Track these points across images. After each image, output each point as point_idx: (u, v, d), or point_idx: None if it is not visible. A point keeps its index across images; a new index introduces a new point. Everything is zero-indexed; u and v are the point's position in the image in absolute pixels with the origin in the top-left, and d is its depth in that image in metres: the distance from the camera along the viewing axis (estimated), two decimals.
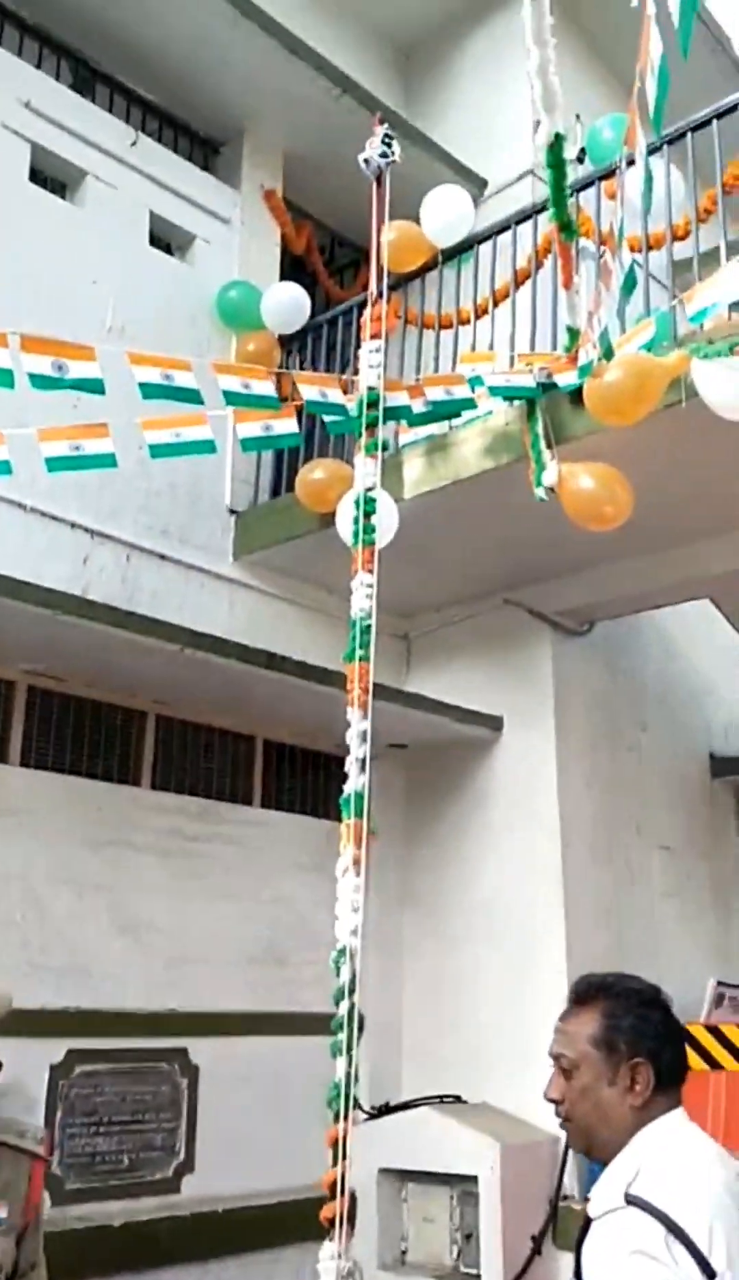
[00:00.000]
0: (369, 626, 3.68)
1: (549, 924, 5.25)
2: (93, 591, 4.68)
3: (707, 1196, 1.64)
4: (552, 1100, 1.87)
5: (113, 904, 4.76)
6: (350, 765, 3.61)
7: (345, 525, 4.02)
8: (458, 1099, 5.09)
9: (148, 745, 5.13)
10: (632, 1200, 1.62)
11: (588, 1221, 1.68)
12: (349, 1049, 3.28)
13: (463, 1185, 4.80)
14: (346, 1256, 3.12)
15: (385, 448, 3.97)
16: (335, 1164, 3.14)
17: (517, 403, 4.46)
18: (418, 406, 4.12)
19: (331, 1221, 3.12)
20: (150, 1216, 4.49)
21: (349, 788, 3.59)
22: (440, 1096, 5.11)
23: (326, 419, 4.06)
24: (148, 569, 5.09)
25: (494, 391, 4.28)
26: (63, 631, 4.17)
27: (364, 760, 3.61)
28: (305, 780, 5.73)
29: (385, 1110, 5.20)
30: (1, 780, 4.53)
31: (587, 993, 1.90)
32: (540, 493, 4.07)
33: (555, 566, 5.47)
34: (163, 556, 5.16)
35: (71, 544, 4.81)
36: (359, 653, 3.64)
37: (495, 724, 5.69)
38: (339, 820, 3.57)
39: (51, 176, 5.39)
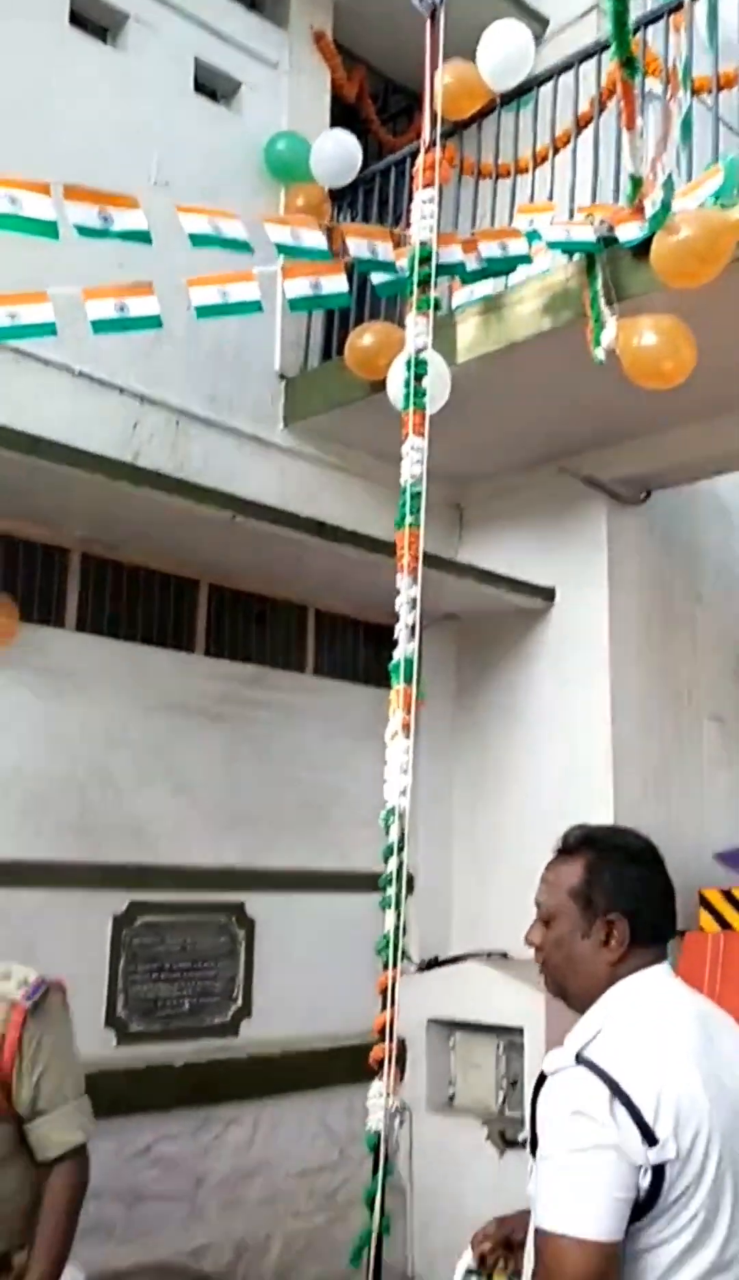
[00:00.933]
0: (419, 493, 3.64)
1: (598, 793, 5.31)
2: (142, 459, 4.66)
3: (660, 1061, 1.62)
4: (530, 943, 1.89)
5: (169, 767, 4.89)
6: (400, 632, 3.63)
7: (396, 389, 3.93)
8: (504, 955, 5.25)
9: (201, 613, 5.18)
10: (581, 1060, 1.62)
11: (543, 1077, 1.68)
12: (398, 903, 3.39)
13: (508, 1036, 4.99)
14: (395, 1096, 3.28)
15: (437, 307, 3.85)
16: (384, 1009, 3.27)
17: (576, 258, 4.28)
18: (472, 262, 3.97)
19: (380, 1063, 3.27)
20: (210, 1058, 4.74)
21: (398, 654, 3.61)
22: (487, 952, 5.28)
23: (376, 278, 3.93)
24: (197, 436, 5.04)
25: (553, 245, 4.11)
26: (113, 499, 4.18)
27: (413, 627, 3.62)
28: (357, 649, 5.78)
29: (434, 964, 5.40)
30: (57, 644, 4.62)
31: (573, 844, 1.90)
32: (599, 354, 3.93)
33: (613, 433, 5.34)
34: (212, 423, 5.10)
35: (120, 410, 4.77)
36: (409, 520, 3.62)
37: (547, 595, 5.65)
38: (389, 688, 3.62)
39: (92, 20, 5.15)
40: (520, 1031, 4.89)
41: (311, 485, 5.41)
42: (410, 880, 3.74)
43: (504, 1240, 2.00)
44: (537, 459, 5.64)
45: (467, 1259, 2.09)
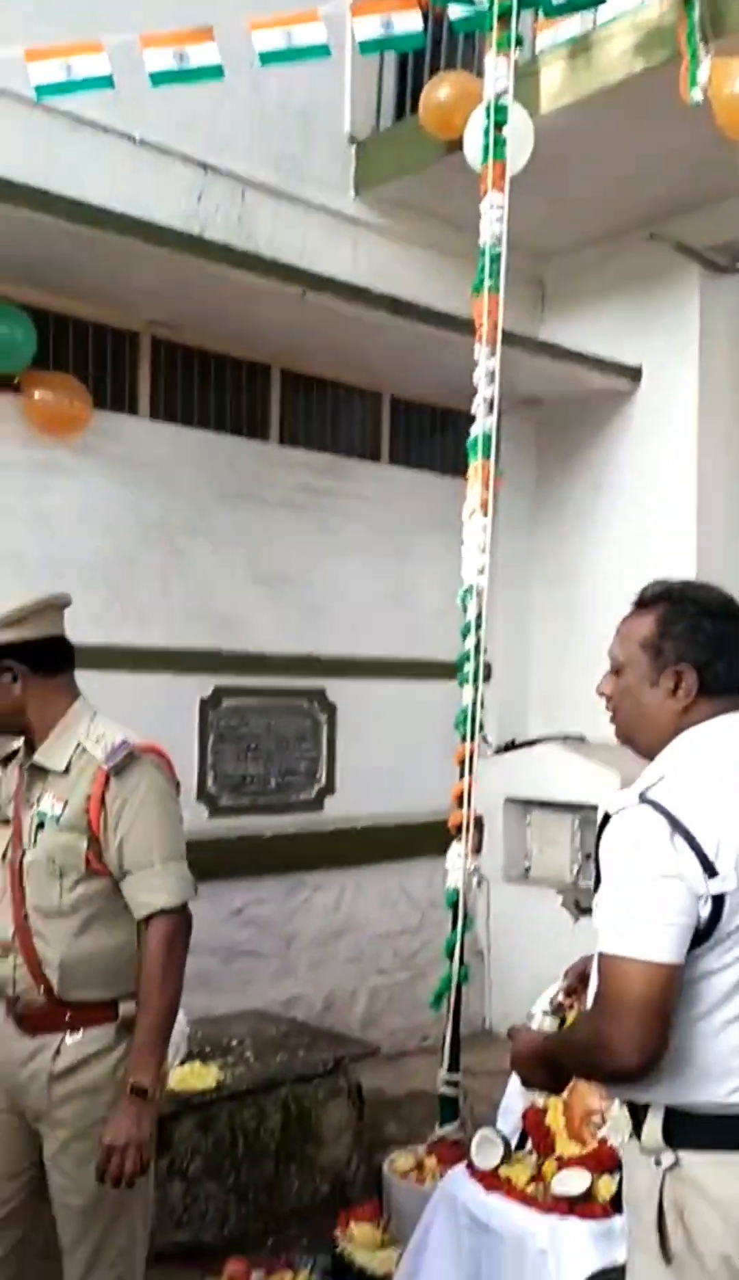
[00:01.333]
0: (499, 255, 3.46)
1: (681, 575, 5.22)
2: (208, 232, 4.48)
3: (722, 802, 1.65)
4: (601, 694, 1.90)
5: (248, 556, 4.92)
6: (477, 406, 3.52)
7: (474, 144, 3.67)
8: (582, 738, 5.34)
9: (274, 400, 5.08)
10: (644, 800, 1.65)
11: (606, 818, 1.71)
12: (476, 678, 3.43)
13: (583, 813, 5.13)
14: (472, 859, 3.42)
15: (519, 43, 3.53)
16: (462, 778, 3.37)
17: None
18: None
19: (459, 828, 3.39)
20: (296, 830, 4.97)
21: (476, 429, 3.52)
22: (564, 735, 5.37)
23: (453, 11, 3.59)
24: (265, 207, 4.81)
25: None
26: (178, 276, 4.04)
27: (492, 401, 3.51)
28: (433, 437, 5.65)
29: (511, 747, 5.51)
30: (133, 432, 4.59)
31: (649, 597, 1.88)
32: (696, 94, 3.60)
33: (707, 194, 4.95)
34: (279, 193, 4.86)
35: (184, 180, 4.56)
36: (488, 284, 3.45)
37: (633, 375, 5.42)
38: (466, 477, 3.54)
39: None
40: (595, 809, 5.01)
41: (385, 260, 5.17)
42: (487, 667, 3.77)
43: (581, 974, 2.10)
44: (624, 226, 5.29)
45: (542, 1000, 2.20)
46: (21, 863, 2.20)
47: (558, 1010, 2.16)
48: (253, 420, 5.02)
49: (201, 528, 4.77)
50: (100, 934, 2.13)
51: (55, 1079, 2.13)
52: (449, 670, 3.56)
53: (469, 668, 3.44)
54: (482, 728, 3.46)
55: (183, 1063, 3.56)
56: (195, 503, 4.74)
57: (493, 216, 3.40)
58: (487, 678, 3.72)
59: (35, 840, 2.19)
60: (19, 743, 2.39)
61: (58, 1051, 2.13)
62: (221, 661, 4.83)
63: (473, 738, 3.39)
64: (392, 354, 4.95)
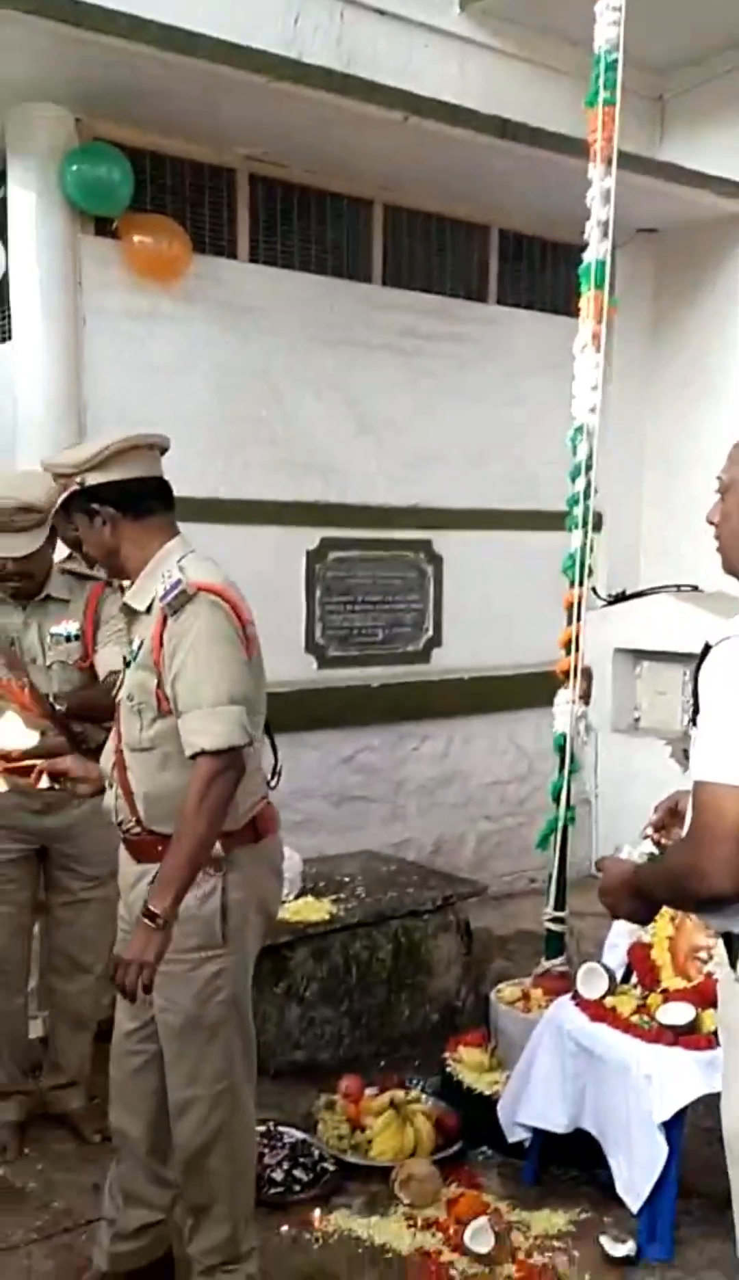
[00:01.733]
0: (615, 61, 3.20)
1: None
2: (306, 56, 4.25)
3: None
4: (710, 523, 1.83)
5: (351, 403, 4.82)
6: (590, 231, 3.32)
7: None
8: (695, 588, 5.20)
9: (376, 239, 4.89)
10: None
11: (707, 648, 1.66)
12: (585, 522, 3.33)
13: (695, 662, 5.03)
14: (579, 705, 3.39)
15: None
16: (570, 625, 3.32)
17: None
18: None
19: (567, 673, 3.36)
20: (403, 681, 5.01)
21: (589, 256, 3.33)
22: (677, 585, 5.24)
23: None
24: (365, 27, 4.54)
25: None
26: (276, 104, 3.86)
27: (606, 225, 3.30)
28: (543, 274, 5.39)
29: (621, 598, 5.41)
30: (231, 276, 4.48)
31: None
32: None
33: None
34: (380, 11, 4.56)
35: (280, 1, 4.31)
36: (603, 95, 3.20)
37: None
38: (578, 315, 3.36)
39: None
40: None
41: (493, 80, 4.86)
42: (598, 516, 3.65)
43: (671, 809, 2.08)
44: None
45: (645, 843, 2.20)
46: (120, 699, 2.28)
47: (649, 843, 2.16)
48: (354, 261, 4.84)
49: (304, 375, 4.68)
50: (179, 770, 2.15)
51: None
52: (558, 521, 3.46)
53: (578, 511, 3.34)
54: (590, 575, 3.37)
55: (297, 897, 3.72)
56: (297, 349, 4.64)
57: (608, 19, 3.13)
58: (596, 526, 3.61)
59: (124, 679, 2.26)
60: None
61: (154, 879, 2.20)
62: (327, 513, 4.81)
63: (582, 583, 3.31)
64: (500, 182, 4.69)
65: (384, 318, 4.87)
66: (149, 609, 2.20)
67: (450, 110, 4.11)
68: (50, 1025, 3.21)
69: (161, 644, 2.14)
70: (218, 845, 2.17)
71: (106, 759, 2.29)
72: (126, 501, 2.23)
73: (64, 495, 2.26)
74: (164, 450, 2.33)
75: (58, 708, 2.78)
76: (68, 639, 2.94)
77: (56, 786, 2.34)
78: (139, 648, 2.21)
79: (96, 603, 2.98)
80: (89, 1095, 3.13)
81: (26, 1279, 2.53)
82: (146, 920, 2.05)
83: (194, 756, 2.09)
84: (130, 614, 2.30)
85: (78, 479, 2.21)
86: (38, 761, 2.33)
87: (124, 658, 2.29)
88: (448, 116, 4.09)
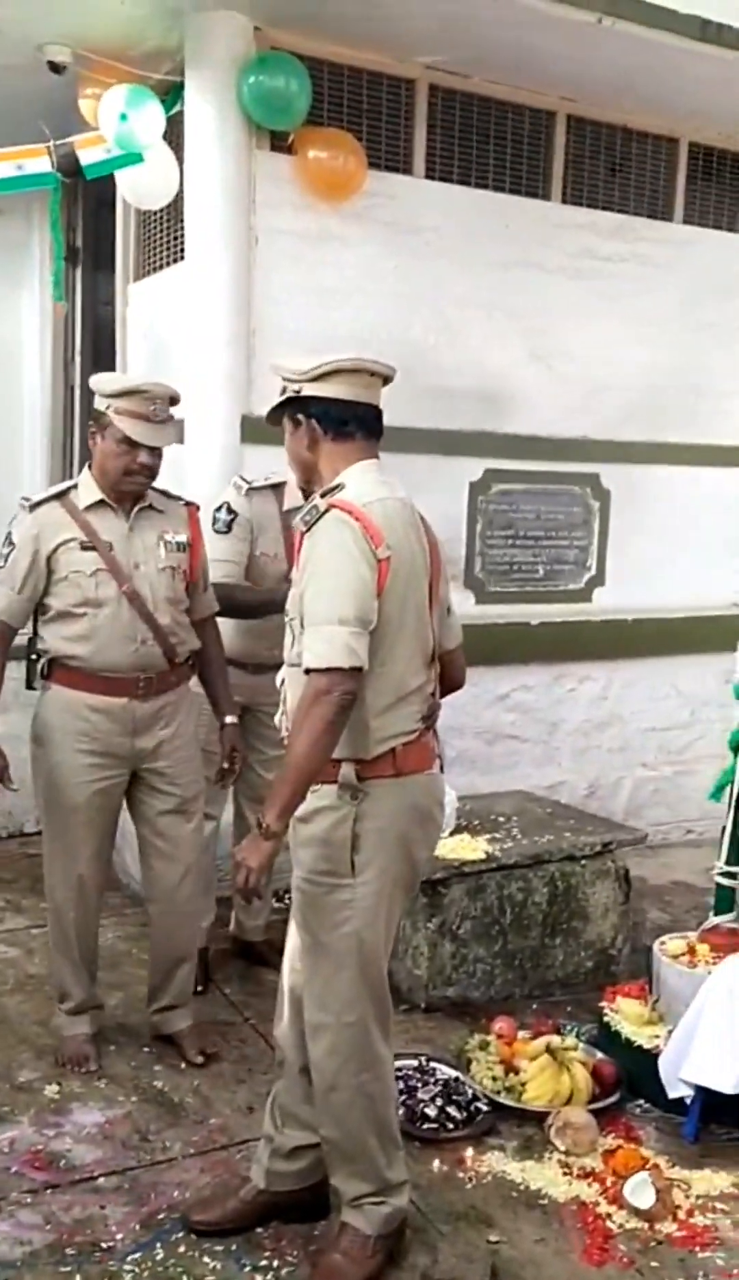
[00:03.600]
0: None
1: None
2: None
3: None
4: None
5: (524, 329, 4.64)
6: None
7: None
8: None
9: (558, 153, 4.65)
10: None
11: None
12: None
13: None
14: None
15: None
16: None
17: None
18: None
19: None
20: (563, 620, 4.86)
21: None
22: None
23: None
24: None
25: None
26: (459, 8, 3.66)
27: None
28: (735, 192, 5.05)
29: None
30: (405, 194, 4.33)
31: None
32: None
33: None
34: None
35: None
36: None
37: None
38: None
39: None
40: None
41: None
42: None
43: None
44: None
45: None
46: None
47: None
48: (533, 177, 4.63)
49: (475, 299, 4.51)
50: None
51: (297, 821, 2.21)
52: (737, 455, 3.24)
53: None
54: None
55: (452, 834, 3.66)
56: (469, 271, 4.47)
57: None
58: None
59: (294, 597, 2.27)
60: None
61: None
62: (492, 443, 4.66)
63: None
64: (694, 91, 4.39)
65: (562, 238, 4.65)
66: (310, 528, 2.20)
67: (648, 10, 3.83)
68: (154, 950, 3.23)
69: (298, 560, 2.19)
70: (352, 772, 2.16)
71: (279, 675, 2.29)
72: (329, 420, 2.23)
73: (281, 398, 2.26)
74: (388, 380, 2.31)
75: (161, 621, 2.92)
76: (180, 548, 3.00)
77: None
78: (291, 567, 2.25)
79: (199, 525, 3.11)
80: (193, 1017, 3.19)
81: (183, 1192, 2.57)
82: (258, 829, 2.09)
83: (308, 672, 2.08)
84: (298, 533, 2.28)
85: (296, 387, 2.22)
86: None
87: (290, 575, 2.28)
88: (645, 17, 3.82)
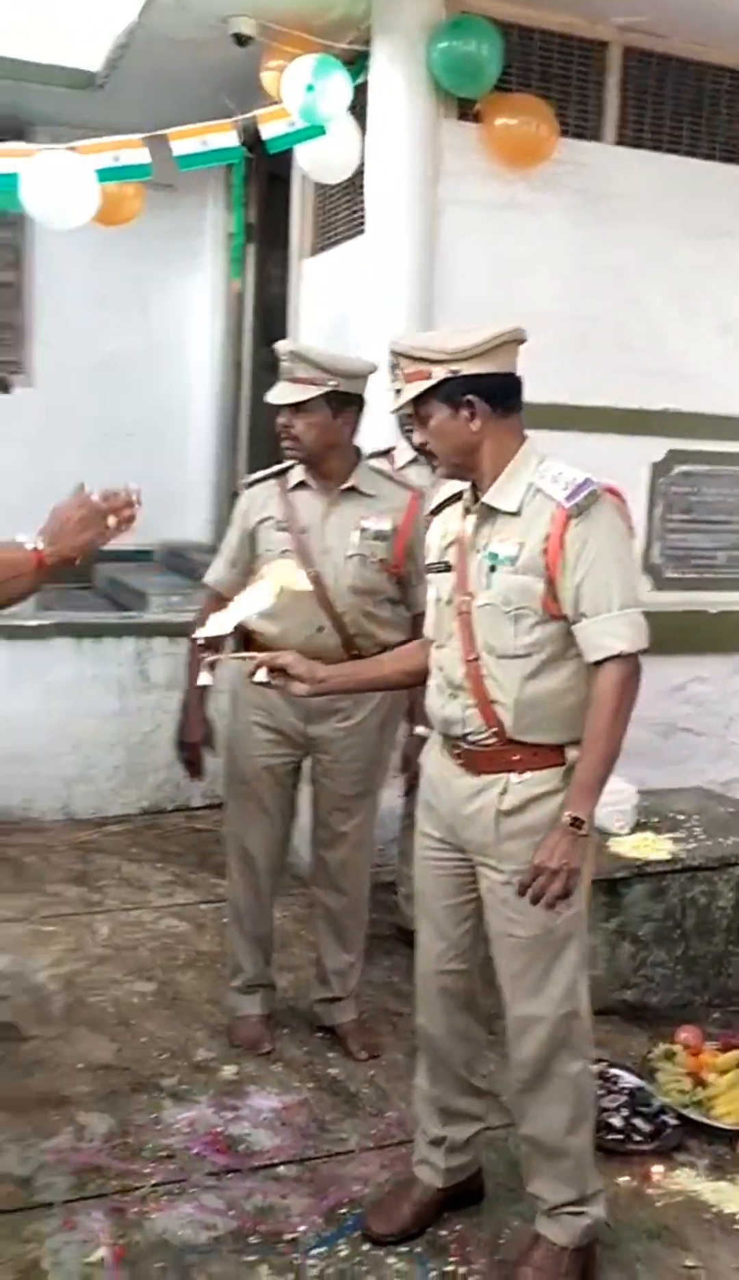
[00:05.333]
0: None
1: None
2: None
3: None
4: None
5: (715, 303, 4.42)
6: None
7: None
8: None
9: None
10: None
11: None
12: None
13: None
14: None
15: None
16: None
17: None
18: None
19: None
20: None
21: None
22: None
23: None
24: None
25: None
26: None
27: None
28: None
29: None
30: (596, 161, 4.16)
31: None
32: None
33: None
34: None
35: None
36: None
37: None
38: None
39: None
40: None
41: None
42: None
43: None
44: None
45: None
46: (470, 606, 2.15)
47: None
48: (732, 142, 4.39)
49: (664, 271, 4.31)
50: (551, 677, 2.09)
51: (503, 815, 2.14)
52: None
53: None
54: None
55: (632, 831, 3.53)
56: (659, 243, 4.28)
57: None
58: None
59: (488, 583, 2.13)
60: (448, 490, 2.32)
61: (504, 790, 2.14)
62: (676, 422, 4.46)
63: None
64: None
65: None
66: (519, 511, 2.10)
67: None
68: (318, 940, 3.19)
69: (562, 545, 2.04)
70: (568, 753, 2.12)
71: (455, 668, 2.18)
72: (498, 396, 2.11)
73: (428, 384, 2.09)
74: (522, 343, 2.17)
75: (339, 609, 2.84)
76: (376, 536, 2.87)
77: (272, 683, 2.31)
78: (519, 551, 2.09)
79: (415, 514, 2.89)
80: (358, 1011, 3.15)
81: (364, 1187, 2.54)
82: (572, 827, 2.01)
83: (601, 661, 2.02)
84: (486, 514, 2.15)
85: (452, 367, 2.07)
86: (258, 655, 2.34)
87: (486, 562, 2.13)
88: None
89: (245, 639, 2.88)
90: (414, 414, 2.18)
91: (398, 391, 2.20)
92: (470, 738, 2.17)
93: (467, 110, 3.94)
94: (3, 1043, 3.06)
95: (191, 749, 3.07)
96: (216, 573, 3.03)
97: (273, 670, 2.30)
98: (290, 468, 2.94)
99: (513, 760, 2.13)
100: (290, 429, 2.83)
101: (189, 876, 4.23)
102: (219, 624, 2.34)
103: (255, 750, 2.98)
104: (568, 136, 4.08)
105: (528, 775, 2.12)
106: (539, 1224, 2.24)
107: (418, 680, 2.36)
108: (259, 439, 5.76)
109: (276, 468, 2.97)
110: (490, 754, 2.15)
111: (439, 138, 3.90)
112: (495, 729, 2.13)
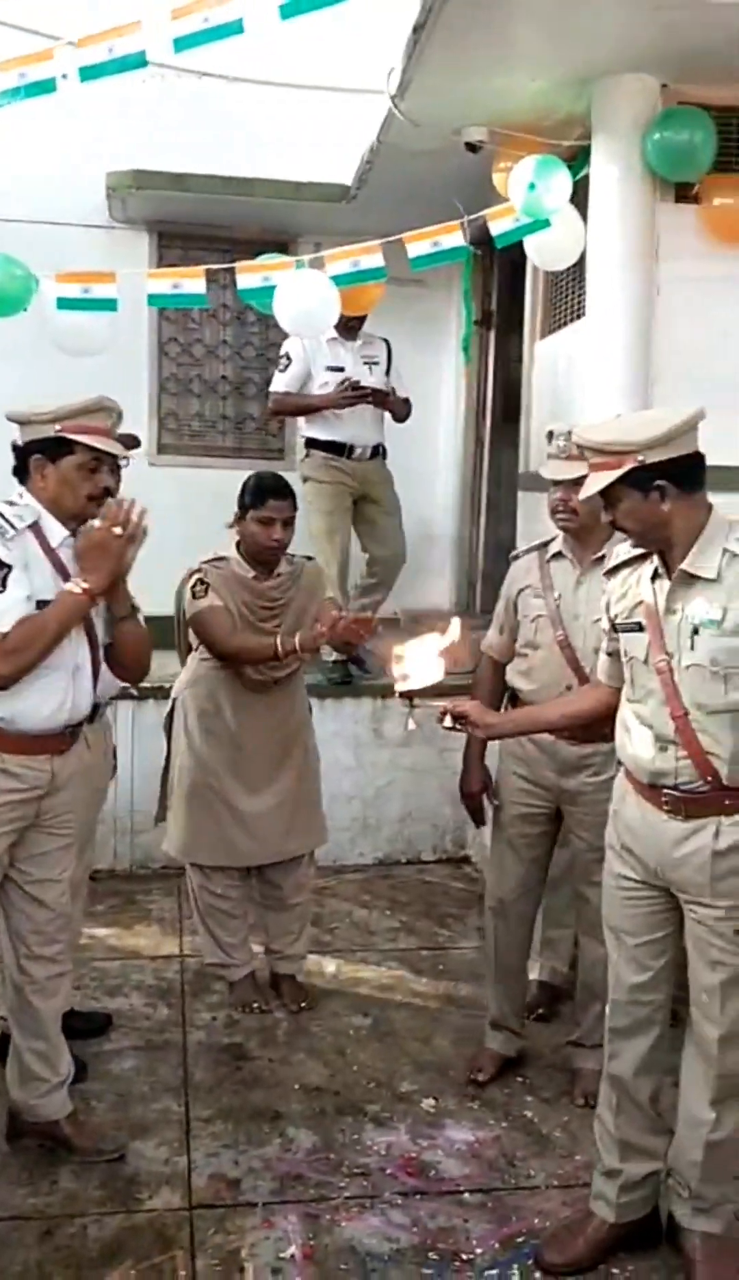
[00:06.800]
0: None
1: None
2: None
3: None
4: None
5: None
6: None
7: None
8: None
9: None
10: None
11: None
12: None
13: None
14: None
15: None
16: None
17: None
18: None
19: None
20: None
21: None
22: None
23: None
24: None
25: None
26: None
27: None
28: None
29: None
30: None
31: None
32: None
33: None
34: None
35: None
36: None
37: None
38: None
39: None
40: None
41: None
42: None
43: None
44: None
45: None
46: (670, 665, 2.30)
47: None
48: None
49: None
50: None
51: (718, 856, 2.28)
52: None
53: None
54: None
55: None
56: None
57: None
58: None
59: (692, 645, 2.28)
60: (624, 554, 2.48)
61: (717, 832, 2.29)
62: None
63: None
64: None
65: None
66: (718, 576, 2.25)
67: None
68: (567, 981, 3.31)
69: None
70: None
71: (662, 722, 2.32)
72: (684, 477, 2.26)
73: (616, 474, 2.25)
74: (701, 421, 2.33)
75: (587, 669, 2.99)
76: None
77: (456, 727, 2.61)
78: (723, 614, 2.24)
79: None
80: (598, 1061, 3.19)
81: (544, 1220, 2.63)
82: None
83: None
84: (684, 582, 2.29)
85: (640, 456, 2.23)
86: (444, 702, 2.60)
87: (688, 625, 2.29)
88: None
89: (512, 698, 3.19)
90: (605, 498, 2.34)
91: (577, 478, 2.41)
92: (682, 786, 2.31)
93: (685, 194, 4.09)
94: (229, 1061, 3.37)
95: (473, 797, 3.36)
96: (489, 638, 3.33)
97: (456, 717, 2.55)
98: (550, 541, 3.19)
99: (725, 804, 2.29)
100: (568, 502, 3.05)
101: (415, 924, 4.45)
102: (416, 681, 2.61)
103: (512, 798, 3.23)
104: None
105: (738, 816, 2.28)
106: (698, 1223, 2.44)
107: (584, 723, 2.63)
108: (496, 513, 6.04)
109: (539, 541, 3.25)
110: (701, 799, 2.30)
111: (656, 221, 4.07)
112: (709, 777, 2.28)
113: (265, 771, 3.62)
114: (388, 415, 5.21)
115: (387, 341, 5.14)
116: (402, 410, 5.09)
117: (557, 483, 3.06)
